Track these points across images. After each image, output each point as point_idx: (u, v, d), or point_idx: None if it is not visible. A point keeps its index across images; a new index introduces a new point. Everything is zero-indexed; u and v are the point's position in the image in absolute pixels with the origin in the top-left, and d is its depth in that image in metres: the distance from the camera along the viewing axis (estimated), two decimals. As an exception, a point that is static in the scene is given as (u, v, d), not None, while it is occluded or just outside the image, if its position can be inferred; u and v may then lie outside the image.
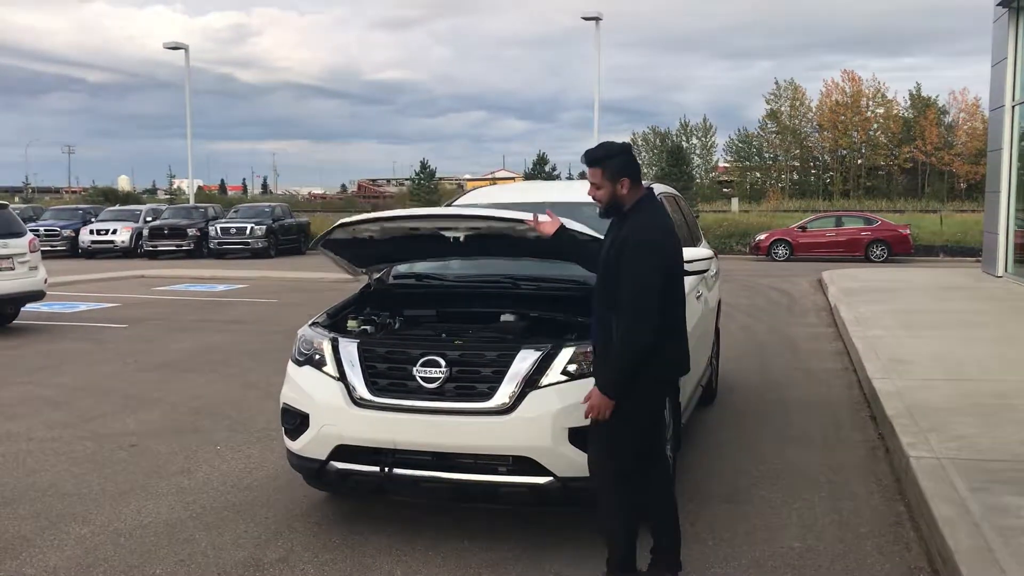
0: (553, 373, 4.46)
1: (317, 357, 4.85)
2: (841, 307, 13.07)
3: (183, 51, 37.84)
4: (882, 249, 28.14)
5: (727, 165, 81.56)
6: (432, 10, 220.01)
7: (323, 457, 4.70)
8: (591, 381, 4.39)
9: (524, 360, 4.45)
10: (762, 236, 29.81)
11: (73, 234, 32.17)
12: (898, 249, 28.09)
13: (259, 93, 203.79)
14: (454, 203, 6.66)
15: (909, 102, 76.47)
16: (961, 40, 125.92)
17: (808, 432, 6.96)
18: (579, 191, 6.90)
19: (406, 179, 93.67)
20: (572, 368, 4.48)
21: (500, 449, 4.41)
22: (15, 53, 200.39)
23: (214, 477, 5.93)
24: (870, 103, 75.65)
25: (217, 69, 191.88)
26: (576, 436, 4.38)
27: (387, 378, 4.61)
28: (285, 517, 5.16)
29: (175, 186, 65.32)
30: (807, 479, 5.79)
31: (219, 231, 30.81)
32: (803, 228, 29.83)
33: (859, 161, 76.96)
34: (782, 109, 77.77)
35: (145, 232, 31.20)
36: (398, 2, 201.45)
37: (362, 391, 4.61)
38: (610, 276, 3.91)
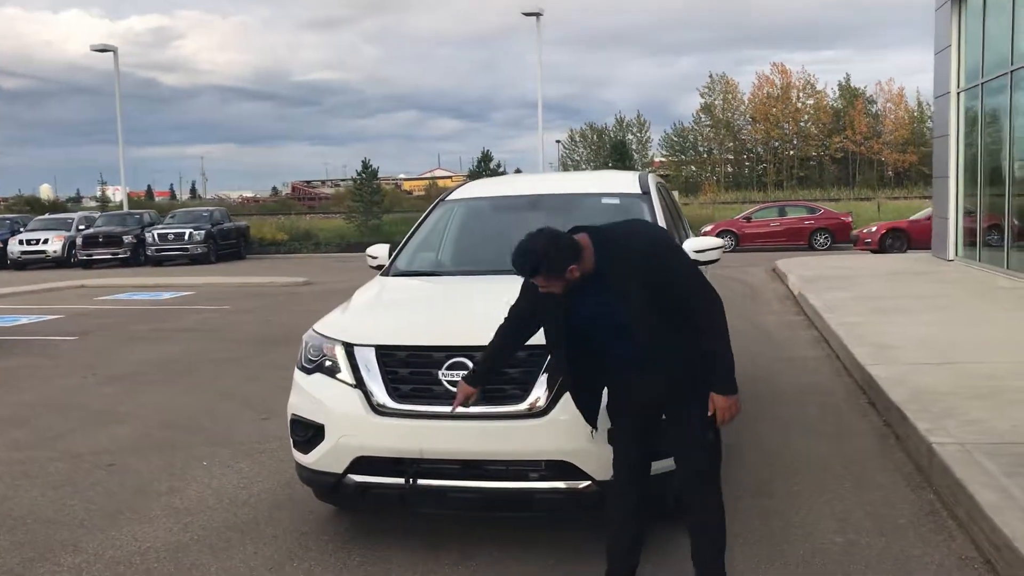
0: (588, 371, 4.21)
1: (328, 364, 4.53)
2: (808, 295, 13.08)
3: (111, 53, 36.61)
4: (826, 237, 28.56)
5: (663, 159, 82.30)
6: (360, 10, 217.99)
7: (340, 470, 4.38)
8: (626, 377, 4.21)
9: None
10: (708, 228, 29.91)
11: (1, 244, 30.96)
12: (841, 237, 28.52)
13: (184, 97, 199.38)
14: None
15: (838, 93, 78.09)
16: (882, 33, 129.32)
17: (810, 422, 6.84)
18: (577, 183, 6.72)
19: (342, 180, 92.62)
20: (607, 364, 4.24)
21: (536, 454, 4.16)
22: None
23: (207, 495, 5.55)
24: (800, 95, 77.06)
25: (140, 73, 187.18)
26: (615, 436, 4.15)
27: (410, 383, 4.31)
28: (295, 536, 4.83)
29: (102, 193, 63.38)
30: (826, 470, 5.65)
31: (156, 237, 29.95)
32: (748, 219, 30.11)
33: (791, 152, 78.33)
34: (715, 103, 78.73)
35: (79, 241, 30.19)
36: (326, 2, 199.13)
37: (383, 398, 4.30)
38: (638, 304, 3.51)
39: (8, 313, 15.86)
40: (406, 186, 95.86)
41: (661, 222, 5.63)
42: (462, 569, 4.34)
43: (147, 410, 7.90)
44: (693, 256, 5.56)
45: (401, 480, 4.27)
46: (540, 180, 6.88)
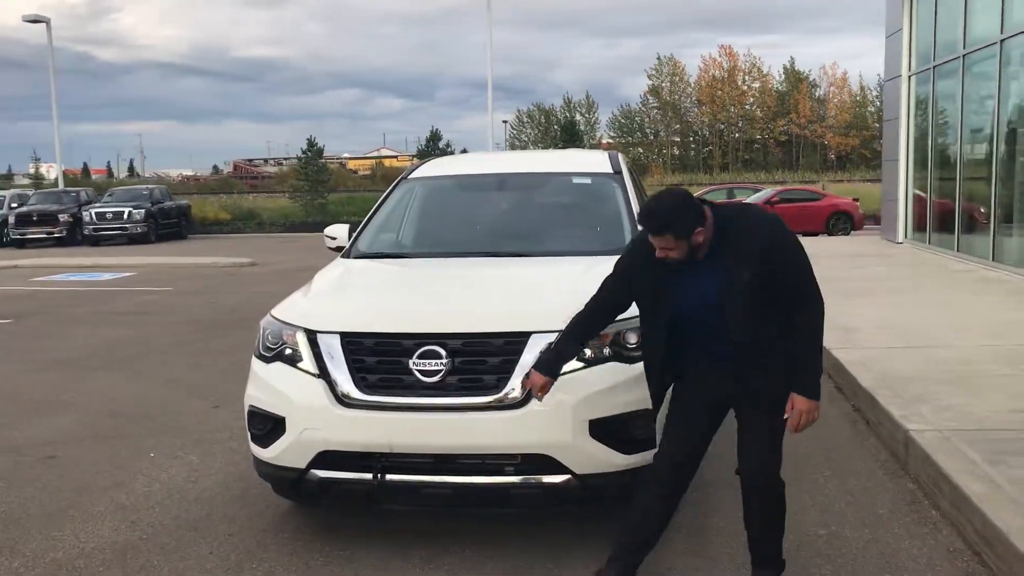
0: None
1: (289, 352, 4.23)
2: (764, 277, 13.02)
3: (44, 25, 35.32)
4: (775, 220, 28.68)
5: (611, 141, 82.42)
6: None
7: (303, 465, 4.10)
8: (607, 367, 4.05)
9: (536, 347, 3.96)
10: (658, 210, 29.99)
11: (-72, 223, 29.77)
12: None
13: (121, 72, 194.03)
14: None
15: (783, 76, 78.77)
16: (825, 17, 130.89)
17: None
18: (546, 162, 6.47)
19: (285, 158, 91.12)
20: (587, 354, 4.03)
21: (513, 447, 3.92)
22: None
23: (156, 490, 5.22)
24: (746, 78, 77.62)
25: (74, 47, 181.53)
26: (597, 428, 3.95)
27: (378, 373, 4.04)
28: (253, 533, 4.54)
29: (36, 170, 61.39)
30: (803, 458, 5.50)
31: (94, 216, 28.93)
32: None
33: (737, 135, 78.93)
34: (663, 85, 78.90)
35: (11, 219, 29.11)
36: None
37: (349, 388, 4.02)
38: (745, 290, 3.36)
39: (-63, 295, 15.16)
40: (351, 165, 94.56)
41: (632, 202, 5.43)
42: (433, 569, 4.10)
43: (90, 398, 7.50)
44: None
45: (369, 475, 4.01)
46: (507, 158, 6.64)
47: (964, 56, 14.36)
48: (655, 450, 4.06)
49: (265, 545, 4.39)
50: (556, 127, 70.34)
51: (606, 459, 3.97)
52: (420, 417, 3.94)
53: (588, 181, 5.70)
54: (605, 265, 4.75)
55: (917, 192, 17.38)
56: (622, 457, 4.00)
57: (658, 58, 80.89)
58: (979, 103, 14.34)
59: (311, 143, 38.26)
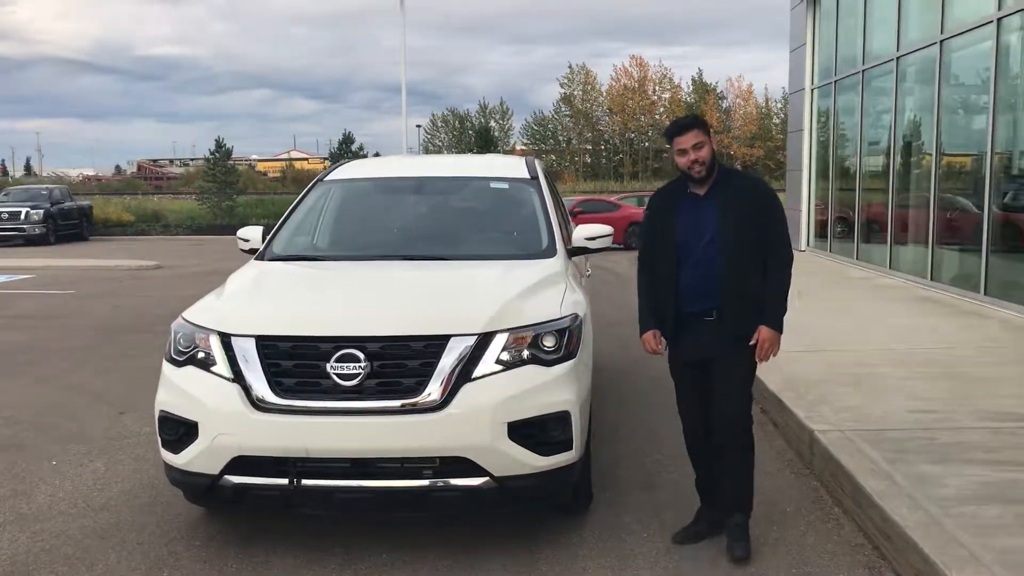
0: (487, 363, 4.02)
1: (202, 355, 4.16)
2: (674, 283, 13.30)
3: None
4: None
5: (524, 148, 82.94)
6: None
7: (216, 471, 4.03)
8: (525, 370, 4.09)
9: (454, 350, 3.98)
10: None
11: None
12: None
13: (17, 68, 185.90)
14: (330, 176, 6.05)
15: (692, 87, 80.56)
16: (731, 31, 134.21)
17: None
18: (464, 166, 6.48)
19: (192, 159, 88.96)
20: (506, 357, 4.06)
21: (432, 450, 3.93)
22: None
23: (59, 499, 5.06)
24: (657, 88, 79.11)
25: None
26: (515, 431, 3.98)
27: (295, 377, 3.99)
28: (164, 541, 4.43)
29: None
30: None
31: (-11, 216, 27.75)
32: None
33: (647, 144, 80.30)
34: (575, 93, 79.82)
35: None
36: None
37: (264, 393, 3.97)
38: (738, 237, 4.09)
39: None
40: (261, 167, 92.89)
41: (549, 207, 5.51)
42: (349, 573, 4.07)
43: (-14, 404, 7.21)
44: (584, 243, 5.47)
45: (284, 481, 3.96)
46: (425, 162, 6.64)
47: (863, 72, 14.95)
48: (572, 452, 4.15)
49: (177, 553, 4.29)
50: (471, 132, 70.48)
51: (524, 461, 4.00)
52: (338, 421, 3.91)
53: (505, 186, 5.75)
54: (525, 269, 4.84)
55: (819, 201, 17.98)
56: (540, 459, 4.05)
57: (570, 67, 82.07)
58: (877, 117, 14.94)
59: (219, 143, 37.47)
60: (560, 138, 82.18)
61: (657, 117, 78.80)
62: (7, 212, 27.95)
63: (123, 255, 22.48)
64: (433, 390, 3.93)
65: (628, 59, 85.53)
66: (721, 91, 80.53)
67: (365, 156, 38.43)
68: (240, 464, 4.00)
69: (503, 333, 4.08)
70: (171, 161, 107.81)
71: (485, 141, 48.04)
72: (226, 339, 4.11)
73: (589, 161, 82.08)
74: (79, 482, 5.33)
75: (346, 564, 4.15)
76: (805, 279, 13.66)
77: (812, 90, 18.00)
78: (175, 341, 4.32)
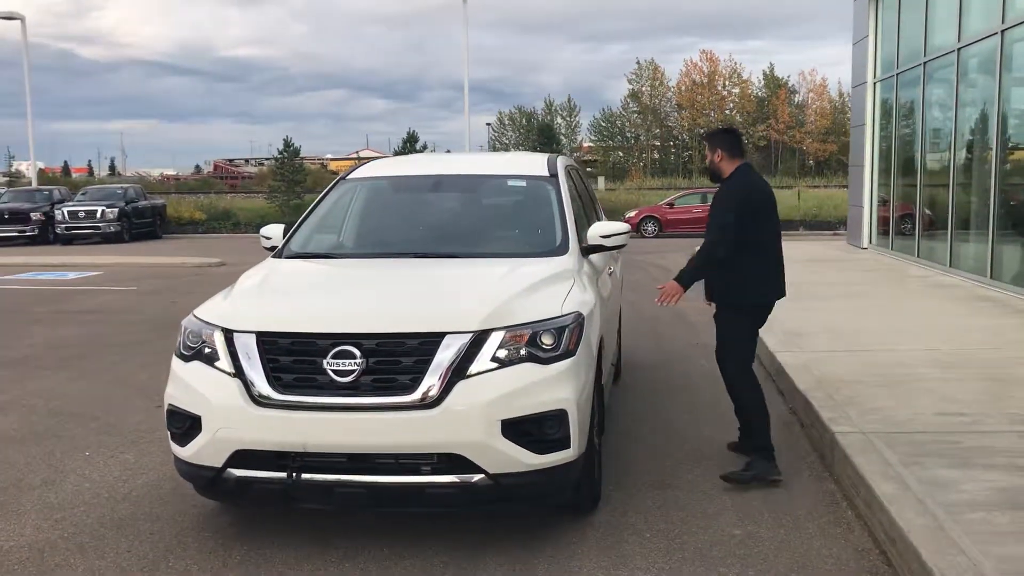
0: (482, 360, 4.04)
1: (207, 351, 4.27)
2: (724, 281, 13.13)
3: (19, 22, 35.08)
4: (746, 224, 28.81)
5: (591, 144, 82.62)
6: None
7: (219, 464, 4.13)
8: (522, 368, 4.10)
9: (450, 347, 4.01)
10: (632, 213, 30.11)
11: (-101, 220, 29.41)
12: (761, 224, 28.81)
13: (104, 70, 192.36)
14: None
15: (763, 82, 79.24)
16: (805, 24, 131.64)
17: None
18: (485, 164, 6.51)
19: (266, 158, 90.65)
20: (502, 354, 4.07)
21: (426, 447, 3.96)
22: None
23: (85, 488, 5.24)
24: (726, 83, 78.03)
25: (56, 45, 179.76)
26: (510, 429, 3.99)
27: (293, 373, 4.07)
28: (175, 532, 4.56)
29: (11, 168, 60.82)
30: (730, 459, 5.58)
31: (66, 215, 28.66)
32: (671, 205, 30.34)
33: (716, 140, 79.26)
34: (643, 89, 79.23)
35: (-18, 218, 28.86)
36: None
37: (264, 388, 4.06)
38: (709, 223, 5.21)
39: (-103, 292, 15.03)
40: (332, 166, 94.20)
41: (567, 206, 5.49)
42: (350, 567, 4.13)
43: (34, 397, 7.48)
44: (599, 241, 5.44)
45: (284, 474, 4.04)
46: (446, 160, 6.68)
47: (924, 64, 14.53)
48: (570, 450, 4.15)
49: (185, 543, 4.41)
50: (536, 130, 70.40)
51: (519, 459, 4.01)
52: (334, 417, 3.98)
53: (523, 184, 5.75)
54: (532, 267, 4.85)
55: (881, 198, 17.55)
56: (535, 457, 4.05)
57: (638, 63, 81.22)
58: (939, 110, 14.51)
59: (287, 143, 38.19)
60: (628, 134, 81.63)
61: (727, 112, 77.76)
62: (84, 211, 28.88)
63: (190, 252, 23.07)
64: (427, 387, 3.96)
65: (698, 54, 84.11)
66: (793, 85, 79.10)
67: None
68: (242, 458, 4.09)
69: (499, 331, 4.09)
70: (246, 160, 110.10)
71: (547, 138, 47.94)
72: (229, 335, 4.21)
73: (657, 157, 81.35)
74: (107, 472, 5.50)
75: (348, 557, 4.21)
76: (861, 277, 13.37)
77: (874, 84, 17.57)
78: (184, 337, 4.45)
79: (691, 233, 28.37)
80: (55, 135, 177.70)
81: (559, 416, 4.10)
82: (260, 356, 4.10)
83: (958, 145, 13.30)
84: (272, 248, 5.58)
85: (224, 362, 4.17)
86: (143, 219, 30.98)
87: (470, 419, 3.94)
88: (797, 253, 17.80)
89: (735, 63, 79.32)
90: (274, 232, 5.68)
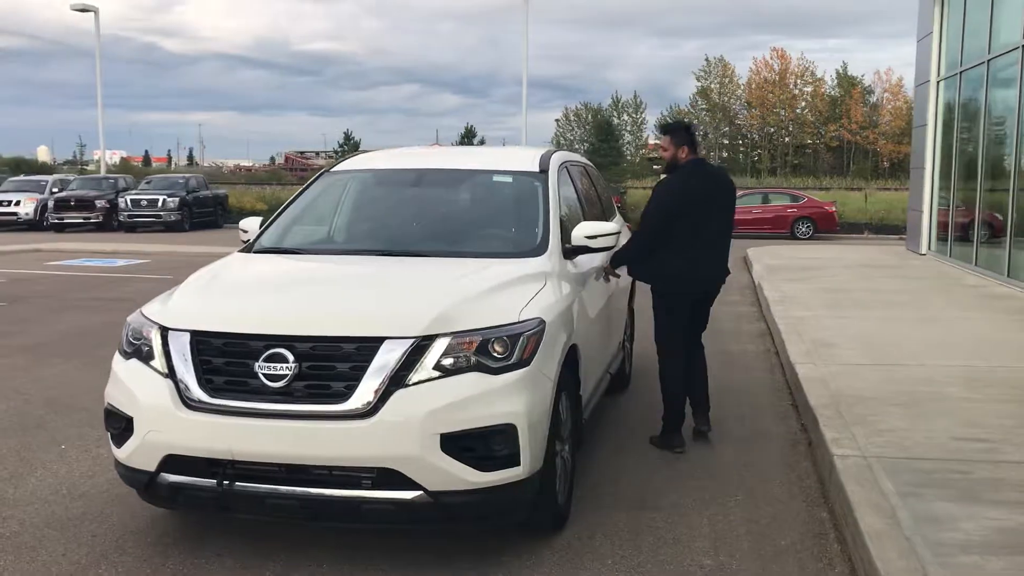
0: (424, 369, 3.76)
1: (145, 349, 4.07)
2: (764, 285, 12.63)
3: (92, 14, 35.89)
4: (808, 226, 28.00)
5: (657, 142, 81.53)
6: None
7: (152, 468, 3.93)
8: (468, 377, 3.82)
9: (389, 353, 3.74)
10: (690, 213, 29.40)
11: (-29, 205, 30.30)
12: (823, 226, 27.99)
13: (185, 63, 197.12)
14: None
15: (836, 81, 77.19)
16: (887, 22, 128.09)
17: (725, 423, 6.38)
18: (475, 158, 6.19)
19: (335, 151, 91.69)
20: (448, 363, 3.79)
21: (358, 460, 3.70)
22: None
23: (47, 484, 5.10)
24: (798, 81, 76.21)
25: (141, 38, 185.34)
26: (450, 444, 3.71)
27: (224, 375, 3.85)
28: (118, 535, 4.38)
29: (97, 157, 62.66)
30: (722, 480, 5.22)
31: (129, 203, 29.21)
32: (730, 204, 29.52)
33: (786, 139, 77.59)
34: (712, 86, 77.86)
35: (50, 204, 29.55)
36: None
37: (195, 391, 3.84)
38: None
39: (-52, 275, 15.36)
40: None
41: (552, 203, 5.16)
42: (283, 582, 3.90)
43: (37, 385, 7.45)
44: (583, 242, 5.09)
45: (215, 482, 3.82)
46: (438, 154, 6.39)
47: (988, 62, 13.78)
48: (519, 468, 3.85)
49: (124, 548, 4.23)
50: (615, 124, 69.55)
51: (460, 476, 3.73)
52: (263, 424, 3.74)
53: (509, 179, 5.44)
54: (501, 267, 4.55)
55: (941, 201, 16.76)
56: (479, 475, 3.77)
57: (707, 59, 79.70)
58: (1001, 110, 13.74)
59: (347, 137, 38.50)
60: (696, 132, 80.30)
61: (798, 111, 75.95)
62: (146, 199, 29.39)
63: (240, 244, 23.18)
64: (361, 396, 3.70)
65: (769, 51, 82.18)
66: (868, 85, 76.84)
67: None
68: (174, 463, 3.89)
69: (445, 337, 3.81)
70: (317, 153, 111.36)
71: (606, 135, 47.33)
72: (165, 333, 4.01)
73: (726, 156, 79.86)
74: (75, 468, 5.37)
75: (283, 572, 3.98)
76: (912, 284, 12.73)
77: (938, 82, 16.77)
78: (127, 333, 4.26)
79: (750, 234, 27.64)
80: (137, 125, 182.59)
81: (507, 431, 3.80)
82: (193, 357, 3.89)
83: (1020, 147, 12.55)
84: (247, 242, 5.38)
85: (159, 362, 3.97)
86: (204, 208, 31.38)
87: (405, 432, 3.67)
88: (850, 258, 17.13)
89: (807, 61, 77.35)
90: (251, 226, 5.48)
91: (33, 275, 15.84)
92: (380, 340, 3.76)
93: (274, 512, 3.91)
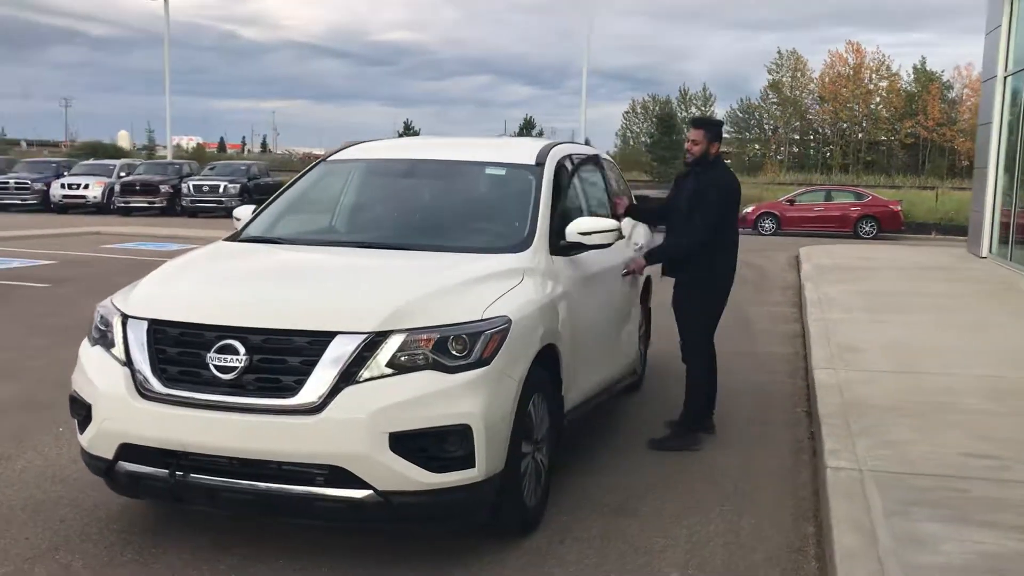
0: (377, 365, 3.67)
1: (109, 336, 4.06)
2: (808, 286, 12.27)
3: (163, 1, 36.72)
4: (872, 225, 27.23)
5: (726, 136, 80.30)
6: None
7: (110, 456, 3.91)
8: (422, 375, 3.72)
9: (341, 348, 3.65)
10: (748, 209, 28.82)
11: (44, 187, 31.17)
12: (888, 226, 27.20)
13: (263, 51, 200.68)
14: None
15: (913, 76, 74.89)
16: (970, 15, 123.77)
17: (733, 427, 6.16)
18: (472, 149, 6.03)
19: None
20: (402, 360, 3.69)
21: (305, 456, 3.63)
22: (18, 3, 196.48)
23: (34, 466, 5.15)
24: (873, 75, 74.13)
25: (221, 26, 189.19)
26: (400, 443, 3.61)
27: (179, 365, 3.81)
28: (85, 520, 4.39)
29: (175, 142, 64.28)
30: (713, 486, 5.03)
31: (192, 188, 29.87)
32: (791, 202, 28.88)
33: (859, 135, 75.59)
34: (784, 80, 76.22)
35: (117, 188, 30.32)
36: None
37: (151, 380, 3.81)
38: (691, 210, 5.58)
39: (10, 256, 15.80)
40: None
41: (543, 197, 5.00)
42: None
43: (53, 366, 7.54)
44: (577, 238, 4.94)
45: (167, 473, 3.78)
46: (432, 144, 6.25)
47: (1055, 57, 13.14)
48: (474, 470, 3.74)
49: (87, 534, 4.24)
50: (677, 117, 68.54)
51: (411, 476, 3.63)
52: (211, 416, 3.69)
53: (502, 172, 5.30)
54: (477, 263, 4.42)
55: (1004, 202, 16.09)
56: (431, 476, 3.66)
57: (779, 52, 77.84)
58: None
59: (407, 126, 38.58)
60: (766, 127, 78.75)
61: (872, 107, 73.89)
62: (208, 185, 29.99)
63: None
64: (311, 391, 3.62)
65: (843, 45, 79.86)
66: (948, 80, 74.34)
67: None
68: (130, 452, 3.87)
69: (400, 333, 3.71)
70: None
71: (667, 128, 46.63)
72: (125, 321, 3.98)
73: (796, 151, 78.15)
74: (65, 452, 5.40)
75: (239, 565, 3.94)
76: (964, 289, 12.24)
77: (1004, 78, 16.06)
78: (96, 320, 4.25)
79: (812, 232, 27.02)
80: (214, 112, 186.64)
81: (461, 432, 3.69)
82: (149, 346, 3.86)
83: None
84: None
85: (119, 349, 3.95)
86: (265, 195, 31.63)
87: (353, 429, 3.58)
88: (906, 259, 16.57)
89: (883, 55, 75.10)
90: (243, 214, 5.44)
91: (85, 257, 16.21)
92: (332, 335, 3.68)
93: (228, 506, 3.87)
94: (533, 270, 4.51)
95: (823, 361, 7.33)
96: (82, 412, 4.04)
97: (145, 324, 3.91)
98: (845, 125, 75.34)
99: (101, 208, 30.10)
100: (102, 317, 4.19)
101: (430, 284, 4.07)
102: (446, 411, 3.67)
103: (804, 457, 5.59)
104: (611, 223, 5.06)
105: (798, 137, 78.84)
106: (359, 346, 3.65)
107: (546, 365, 4.41)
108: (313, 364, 3.64)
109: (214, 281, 4.42)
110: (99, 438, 3.92)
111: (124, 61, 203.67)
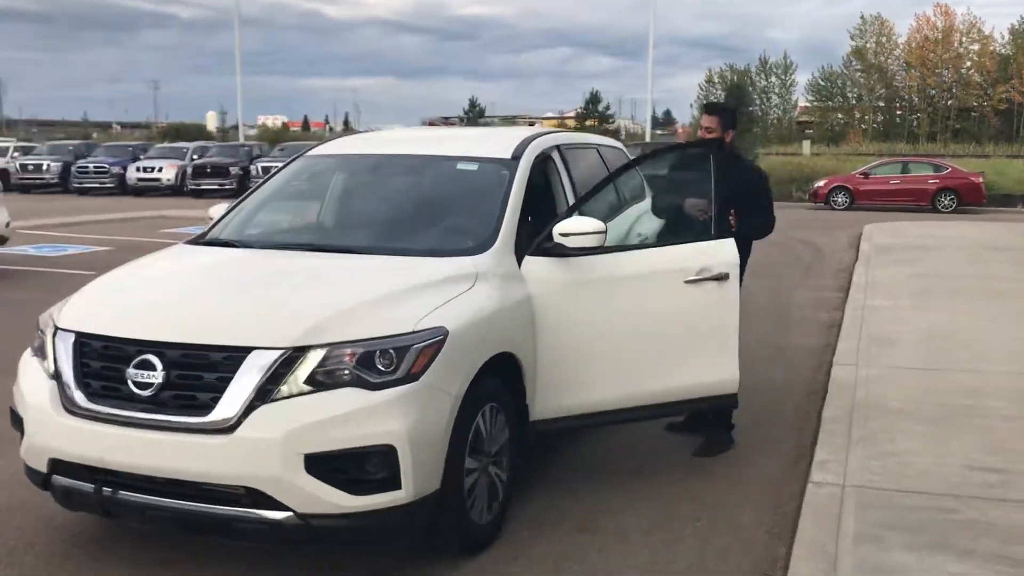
0: (295, 382, 3.50)
1: (45, 348, 3.99)
2: (858, 268, 11.72)
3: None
4: (951, 198, 26.04)
5: (807, 105, 77.85)
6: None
7: (44, 470, 3.85)
8: (342, 393, 3.55)
9: (255, 364, 3.49)
10: (821, 183, 27.88)
11: (122, 171, 32.05)
12: (968, 199, 25.97)
13: (346, 29, 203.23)
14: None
15: (1008, 37, 71.25)
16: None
17: (736, 430, 5.82)
18: (447, 143, 5.73)
19: (481, 117, 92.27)
20: (322, 376, 3.52)
21: (219, 477, 3.49)
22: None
23: (10, 470, 5.05)
24: (963, 39, 70.77)
25: (304, 5, 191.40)
26: (316, 464, 3.44)
27: (101, 380, 3.71)
28: (32, 531, 4.35)
29: (260, 121, 65.49)
30: (692, 498, 4.74)
31: (260, 170, 30.24)
32: (865, 175, 27.77)
33: (949, 102, 72.42)
34: (868, 46, 73.35)
35: (189, 170, 30.95)
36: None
37: (75, 395, 3.72)
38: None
39: (64, 241, 16.22)
40: (545, 124, 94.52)
41: (514, 194, 4.71)
42: (168, 593, 3.76)
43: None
44: (558, 239, 4.56)
45: (92, 489, 3.70)
46: (412, 138, 6.01)
47: None
48: (400, 491, 3.56)
49: (34, 545, 4.20)
50: (748, 87, 66.78)
51: (329, 499, 3.47)
52: (129, 434, 3.58)
53: (474, 167, 5.03)
54: (429, 267, 4.21)
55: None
56: (351, 499, 3.49)
57: (862, 17, 74.78)
58: None
59: (472, 103, 38.47)
60: (849, 95, 75.99)
61: (963, 72, 70.60)
62: (274, 167, 30.26)
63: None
64: (224, 409, 3.48)
65: (932, 8, 76.09)
66: (1048, 40, 70.37)
67: (611, 116, 37.67)
68: (61, 466, 3.79)
69: (320, 348, 3.53)
70: (460, 119, 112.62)
71: (737, 99, 45.25)
72: (55, 333, 3.90)
73: (881, 120, 75.26)
74: (46, 452, 5.41)
75: (175, 582, 3.85)
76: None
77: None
78: (40, 330, 4.18)
79: (887, 206, 25.99)
80: (298, 91, 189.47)
81: (384, 452, 3.51)
82: (75, 359, 3.77)
83: None
84: None
85: (50, 362, 3.88)
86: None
87: (265, 450, 3.43)
88: (974, 236, 15.73)
89: (974, 18, 71.54)
90: (217, 213, 5.33)
91: (141, 243, 16.49)
92: (247, 350, 3.52)
93: (154, 523, 3.77)
94: (488, 274, 4.26)
95: (847, 356, 6.94)
96: (18, 424, 3.99)
97: (72, 337, 3.82)
98: (933, 92, 72.23)
99: (175, 190, 30.81)
100: (41, 328, 4.13)
101: (366, 293, 3.88)
102: (367, 430, 3.49)
103: (802, 466, 5.23)
104: (593, 225, 4.64)
105: (883, 104, 75.87)
106: (275, 362, 3.49)
107: (505, 373, 4.19)
108: (228, 381, 3.50)
109: (146, 291, 4.29)
110: (30, 452, 3.87)
111: (212, 42, 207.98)
